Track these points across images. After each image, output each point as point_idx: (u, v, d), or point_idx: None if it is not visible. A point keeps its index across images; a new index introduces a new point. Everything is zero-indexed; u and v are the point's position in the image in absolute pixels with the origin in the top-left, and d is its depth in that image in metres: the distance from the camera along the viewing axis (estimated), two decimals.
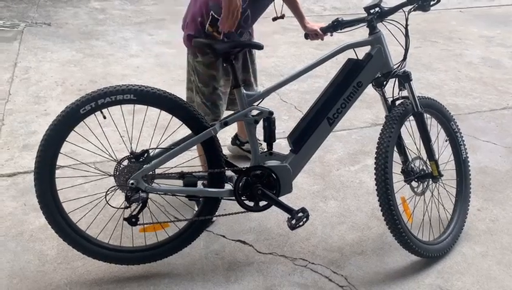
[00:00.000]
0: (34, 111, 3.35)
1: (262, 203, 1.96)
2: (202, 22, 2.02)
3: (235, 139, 2.85)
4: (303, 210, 1.94)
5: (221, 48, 1.83)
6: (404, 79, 2.01)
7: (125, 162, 1.86)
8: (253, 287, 1.93)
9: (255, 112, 1.93)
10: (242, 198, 1.94)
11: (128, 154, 1.86)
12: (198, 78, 2.17)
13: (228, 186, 1.98)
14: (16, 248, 2.10)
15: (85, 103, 1.78)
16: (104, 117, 1.83)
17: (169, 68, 4.21)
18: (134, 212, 1.86)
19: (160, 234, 2.01)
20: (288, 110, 3.52)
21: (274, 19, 2.10)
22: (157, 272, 1.99)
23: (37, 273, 1.96)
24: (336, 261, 2.08)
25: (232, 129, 2.82)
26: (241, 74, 2.30)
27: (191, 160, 2.46)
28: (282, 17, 2.09)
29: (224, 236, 2.22)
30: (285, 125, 3.19)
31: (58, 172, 1.87)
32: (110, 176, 1.89)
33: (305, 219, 1.94)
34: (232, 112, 2.33)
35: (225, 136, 2.90)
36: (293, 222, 1.93)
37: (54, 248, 2.09)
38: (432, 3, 1.91)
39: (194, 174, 1.96)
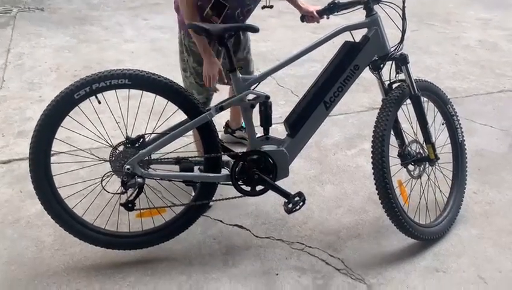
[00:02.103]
0: (29, 97, 3.33)
1: (258, 187, 1.96)
2: (202, 6, 2.00)
3: (227, 128, 2.86)
4: (300, 194, 1.94)
5: (215, 31, 1.81)
6: (401, 62, 2.00)
7: (121, 148, 1.85)
8: (251, 271, 1.94)
9: (251, 97, 1.91)
10: (239, 183, 1.94)
11: (124, 139, 1.85)
12: (193, 59, 2.18)
13: (225, 171, 1.97)
14: (13, 234, 2.10)
15: (79, 87, 1.76)
16: (99, 102, 1.82)
17: (165, 53, 4.18)
18: (130, 198, 1.86)
19: (157, 219, 2.01)
20: (284, 95, 3.50)
21: (263, 7, 2.15)
22: (155, 257, 1.99)
23: (34, 259, 1.97)
24: (332, 244, 2.09)
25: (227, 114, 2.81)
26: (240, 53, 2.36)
27: (187, 145, 2.45)
28: (271, 7, 2.13)
29: (221, 221, 2.22)
30: (281, 110, 3.18)
31: (53, 158, 1.86)
32: (106, 161, 1.88)
33: (301, 203, 1.94)
34: (229, 87, 2.35)
35: (221, 121, 2.89)
36: (290, 206, 1.93)
37: (51, 234, 2.09)
38: None
39: (190, 159, 1.96)
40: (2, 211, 2.23)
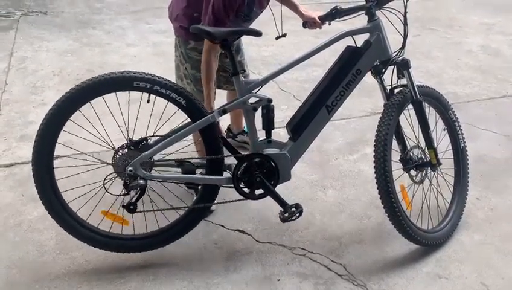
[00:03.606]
0: (31, 101, 3.33)
1: (258, 191, 1.95)
2: (198, 17, 2.04)
3: (228, 132, 2.85)
4: (297, 206, 1.93)
5: (219, 34, 1.81)
6: (403, 67, 2.00)
7: (124, 150, 1.85)
8: (252, 276, 1.93)
9: (253, 100, 1.91)
10: (240, 185, 1.93)
11: (127, 142, 1.85)
12: (191, 66, 2.20)
13: (226, 175, 1.97)
14: (15, 238, 2.09)
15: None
16: (148, 101, 1.83)
17: (167, 57, 4.17)
18: (132, 200, 1.85)
19: (160, 221, 2.00)
20: (287, 100, 3.50)
21: (277, 38, 2.17)
22: (156, 262, 1.99)
23: (35, 263, 1.96)
24: (334, 250, 2.08)
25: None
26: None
27: (191, 151, 2.45)
28: (284, 35, 2.17)
29: (223, 226, 2.22)
30: (284, 115, 3.17)
31: (56, 155, 1.84)
32: (108, 164, 1.88)
33: (298, 215, 1.92)
34: (227, 91, 2.36)
35: (223, 125, 2.89)
36: (286, 215, 1.92)
37: (53, 238, 2.09)
38: None
39: (192, 161, 1.96)
40: (4, 215, 2.23)
